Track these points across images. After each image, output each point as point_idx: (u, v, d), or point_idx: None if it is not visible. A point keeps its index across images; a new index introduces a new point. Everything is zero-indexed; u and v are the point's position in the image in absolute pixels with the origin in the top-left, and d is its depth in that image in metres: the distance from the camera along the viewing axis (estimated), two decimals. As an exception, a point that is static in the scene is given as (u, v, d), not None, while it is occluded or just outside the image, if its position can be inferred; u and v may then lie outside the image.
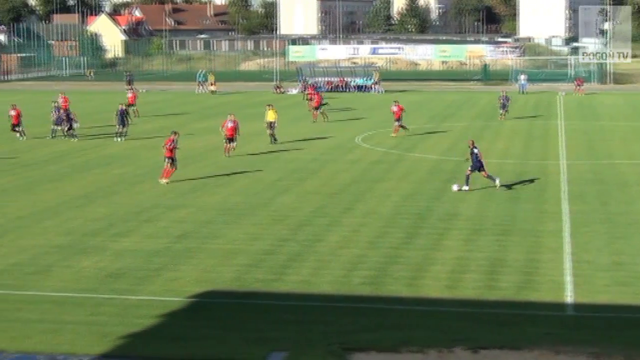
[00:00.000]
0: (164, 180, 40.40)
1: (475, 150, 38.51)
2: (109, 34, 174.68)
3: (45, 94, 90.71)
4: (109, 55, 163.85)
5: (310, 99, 70.31)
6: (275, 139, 53.08)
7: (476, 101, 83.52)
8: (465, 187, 38.09)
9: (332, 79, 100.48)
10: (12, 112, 57.04)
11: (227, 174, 42.89)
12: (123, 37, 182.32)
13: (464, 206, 35.34)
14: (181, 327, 21.80)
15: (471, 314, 22.59)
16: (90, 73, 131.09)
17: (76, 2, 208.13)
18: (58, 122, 56.87)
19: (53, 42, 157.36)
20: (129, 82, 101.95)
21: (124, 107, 56.42)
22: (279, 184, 40.49)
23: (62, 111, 57.31)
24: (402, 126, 56.50)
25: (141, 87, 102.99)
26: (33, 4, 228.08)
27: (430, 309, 23.14)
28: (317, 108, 65.69)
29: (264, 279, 25.53)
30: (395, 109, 56.45)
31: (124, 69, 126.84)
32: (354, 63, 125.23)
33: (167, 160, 40.70)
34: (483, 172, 38.55)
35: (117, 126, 55.90)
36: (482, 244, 29.40)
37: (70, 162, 47.99)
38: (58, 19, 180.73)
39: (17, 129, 56.76)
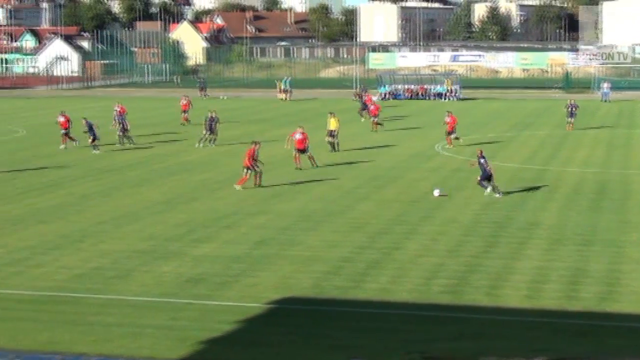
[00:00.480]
0: (238, 186, 40.60)
1: (482, 160, 38.58)
2: (191, 41, 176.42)
3: (127, 100, 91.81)
4: (191, 62, 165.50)
5: (367, 108, 69.81)
6: (337, 147, 52.77)
7: (557, 109, 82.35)
8: (489, 192, 38.66)
9: (412, 86, 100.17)
10: (61, 119, 56.46)
11: (306, 181, 42.95)
12: (204, 45, 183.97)
13: (544, 215, 34.95)
14: (259, 334, 21.86)
15: (551, 324, 22.31)
16: (177, 79, 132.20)
17: (159, 9, 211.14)
18: (122, 129, 57.47)
19: (136, 49, 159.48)
20: (202, 89, 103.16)
21: (213, 114, 56.37)
22: (358, 192, 40.44)
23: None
24: (456, 138, 55.10)
25: (221, 94, 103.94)
26: (117, 11, 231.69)
27: (510, 318, 22.90)
28: (374, 117, 64.61)
29: (342, 287, 25.50)
30: (448, 119, 55.19)
31: (204, 76, 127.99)
32: (434, 70, 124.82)
33: (245, 169, 40.85)
34: (485, 181, 38.90)
35: (205, 132, 56.20)
36: (563, 253, 29.03)
37: (151, 167, 48.50)
38: (141, 26, 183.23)
39: (68, 134, 56.28)
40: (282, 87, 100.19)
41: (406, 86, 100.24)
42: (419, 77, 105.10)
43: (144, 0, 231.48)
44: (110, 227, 33.39)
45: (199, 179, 44.31)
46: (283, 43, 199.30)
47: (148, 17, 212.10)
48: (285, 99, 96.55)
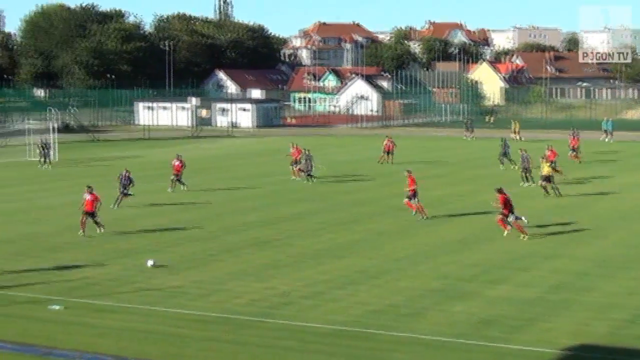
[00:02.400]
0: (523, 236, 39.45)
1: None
2: (489, 82, 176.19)
3: (425, 139, 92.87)
4: (488, 102, 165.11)
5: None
6: (558, 192, 50.60)
7: None
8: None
9: None
10: (176, 162, 54.98)
11: (602, 226, 41.72)
12: (503, 85, 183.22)
13: None
14: (553, 380, 21.37)
15: None
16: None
17: (458, 50, 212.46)
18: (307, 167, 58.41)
19: (434, 89, 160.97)
20: (468, 129, 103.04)
21: (524, 153, 56.13)
22: (660, 238, 38.84)
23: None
24: None
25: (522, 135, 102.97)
26: (416, 52, 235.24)
27: None
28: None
29: (641, 336, 24.55)
30: None
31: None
32: None
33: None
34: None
35: (522, 173, 56.18)
36: None
37: (447, 207, 48.56)
38: (440, 66, 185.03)
39: (178, 179, 54.93)
40: (603, 128, 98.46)
41: None
42: None
43: (444, 41, 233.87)
44: (405, 265, 33.69)
45: (494, 219, 43.85)
46: (583, 84, 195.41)
47: (447, 57, 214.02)
48: (520, 138, 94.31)
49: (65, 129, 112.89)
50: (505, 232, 38.84)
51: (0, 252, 34.84)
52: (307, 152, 59.90)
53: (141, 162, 74.49)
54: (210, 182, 57.93)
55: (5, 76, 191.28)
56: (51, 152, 71.27)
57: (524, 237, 38.34)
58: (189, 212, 46.76)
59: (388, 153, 71.40)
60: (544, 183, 51.16)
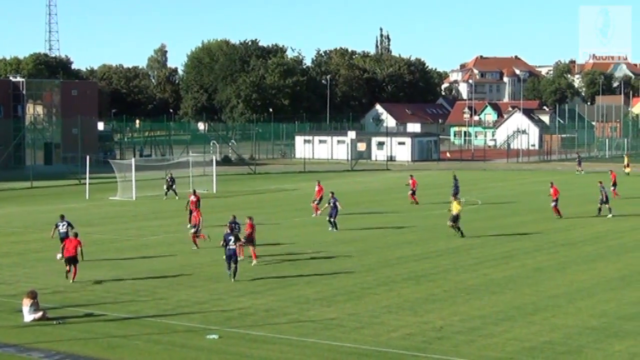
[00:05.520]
0: None
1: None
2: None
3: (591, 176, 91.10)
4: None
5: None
6: (461, 233, 48.82)
7: None
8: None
9: None
10: (192, 198, 52.80)
11: None
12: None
13: None
14: None
15: None
16: None
17: (620, 83, 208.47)
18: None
19: (595, 123, 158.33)
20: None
21: None
22: None
23: None
24: None
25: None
26: (578, 86, 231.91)
27: None
28: None
29: None
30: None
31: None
32: None
33: None
34: None
35: None
36: None
37: (606, 243, 47.52)
38: (602, 100, 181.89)
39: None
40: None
41: None
42: None
43: (606, 74, 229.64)
44: (562, 302, 33.04)
45: (655, 257, 42.78)
46: None
47: (609, 91, 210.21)
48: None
49: (225, 161, 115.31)
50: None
51: (162, 283, 35.67)
52: (331, 195, 53.11)
53: (298, 195, 75.32)
54: (366, 216, 58.08)
55: (169, 110, 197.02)
56: (174, 186, 72.24)
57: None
58: (345, 245, 46.95)
59: (413, 192, 67.22)
60: (450, 223, 49.44)
